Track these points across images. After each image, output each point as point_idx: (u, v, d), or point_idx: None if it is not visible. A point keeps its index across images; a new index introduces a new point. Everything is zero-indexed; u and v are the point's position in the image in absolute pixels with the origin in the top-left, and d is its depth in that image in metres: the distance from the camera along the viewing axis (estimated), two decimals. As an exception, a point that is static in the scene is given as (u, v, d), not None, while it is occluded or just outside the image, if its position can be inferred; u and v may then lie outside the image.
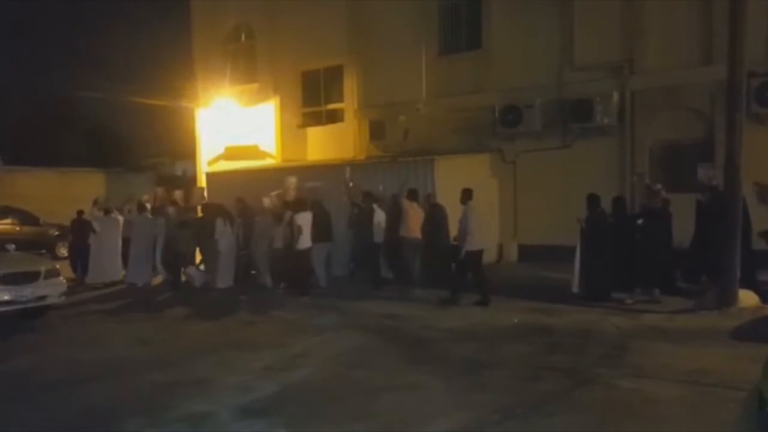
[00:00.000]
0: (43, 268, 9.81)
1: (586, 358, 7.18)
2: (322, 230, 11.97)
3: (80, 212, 14.05)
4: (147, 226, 13.45)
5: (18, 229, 17.81)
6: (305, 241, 11.54)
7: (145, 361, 7.66)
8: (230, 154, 18.48)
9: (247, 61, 19.26)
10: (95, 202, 14.61)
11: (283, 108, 18.23)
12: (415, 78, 15.84)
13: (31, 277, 9.45)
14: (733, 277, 9.22)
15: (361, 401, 6.01)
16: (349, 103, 17.33)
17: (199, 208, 14.83)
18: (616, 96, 13.48)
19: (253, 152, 18.13)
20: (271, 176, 14.85)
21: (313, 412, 5.82)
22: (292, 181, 13.43)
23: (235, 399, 6.14)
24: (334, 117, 17.83)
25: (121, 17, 29.87)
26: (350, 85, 17.25)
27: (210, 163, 18.93)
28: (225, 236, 12.66)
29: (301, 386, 6.56)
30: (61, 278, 10.19)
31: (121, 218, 14.02)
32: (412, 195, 11.64)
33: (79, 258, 13.83)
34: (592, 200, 10.15)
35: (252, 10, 18.58)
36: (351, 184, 12.77)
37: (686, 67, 12.91)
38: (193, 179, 20.20)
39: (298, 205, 11.86)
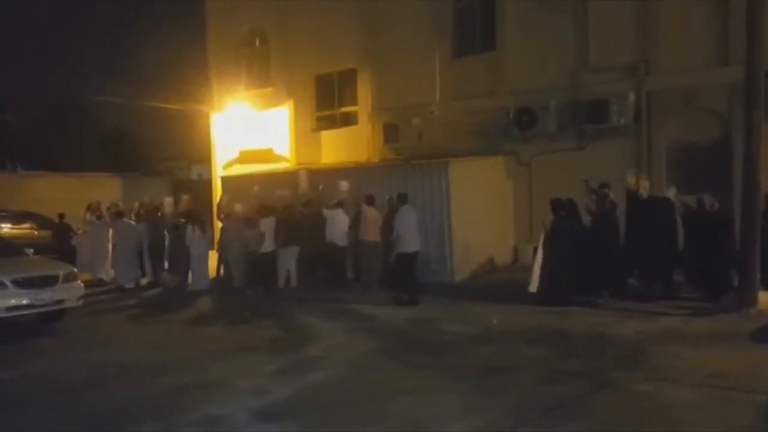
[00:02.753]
0: (61, 272, 9.89)
1: (602, 362, 7.13)
2: (288, 235, 12.40)
3: (61, 215, 15.13)
4: (128, 232, 13.94)
5: (36, 233, 18.00)
6: (267, 245, 12.18)
7: (159, 363, 7.72)
8: (245, 157, 18.59)
9: (262, 65, 19.35)
10: (89, 207, 15.10)
11: (297, 112, 18.31)
12: (428, 80, 15.83)
13: (49, 281, 9.54)
14: (753, 279, 9.11)
15: (375, 405, 5.99)
16: (362, 106, 17.35)
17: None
18: (632, 97, 13.37)
19: (267, 156, 18.23)
20: (284, 179, 14.92)
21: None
22: (303, 175, 14.08)
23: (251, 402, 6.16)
24: (347, 120, 17.86)
25: (137, 22, 30.14)
26: (364, 88, 17.27)
27: (225, 167, 19.05)
28: (195, 241, 13.11)
29: (310, 390, 6.58)
30: (79, 282, 10.29)
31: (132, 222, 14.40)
32: (370, 200, 12.07)
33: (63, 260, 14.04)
34: (556, 205, 10.31)
35: (266, 14, 18.68)
36: (321, 188, 13.00)
37: (703, 67, 12.77)
38: (208, 183, 20.33)
39: (263, 211, 12.51)
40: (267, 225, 12.28)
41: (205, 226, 13.44)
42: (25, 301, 9.20)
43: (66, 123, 31.83)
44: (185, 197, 14.65)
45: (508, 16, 14.98)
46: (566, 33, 14.14)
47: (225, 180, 17.67)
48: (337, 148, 17.62)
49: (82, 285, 10.35)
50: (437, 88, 15.83)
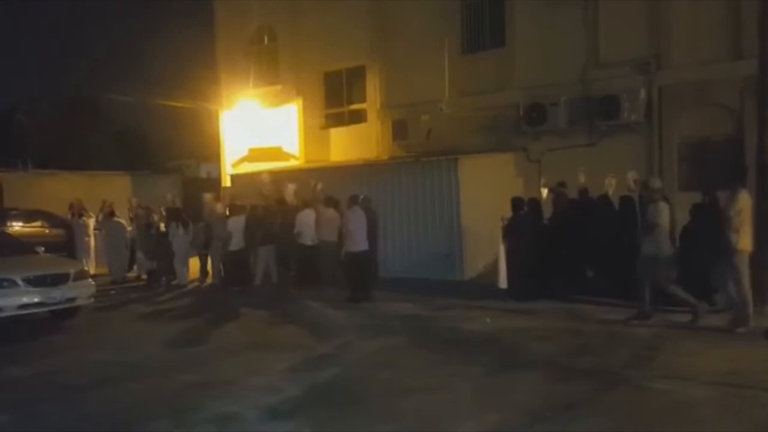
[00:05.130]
0: (72, 270, 9.95)
1: (615, 360, 7.07)
2: (262, 234, 12.95)
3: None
4: (118, 229, 14.88)
5: (47, 231, 18.08)
6: (236, 243, 12.76)
7: (170, 361, 7.74)
8: (254, 155, 18.58)
9: (270, 63, 19.34)
10: (70, 206, 15.67)
11: (305, 109, 18.29)
12: (437, 77, 15.78)
13: (60, 279, 9.58)
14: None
15: (387, 403, 5.97)
16: (371, 103, 17.32)
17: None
18: (643, 92, 13.27)
19: (276, 154, 18.21)
20: (294, 177, 14.90)
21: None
22: (266, 178, 14.73)
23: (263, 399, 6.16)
24: (356, 117, 17.83)
25: (146, 22, 30.29)
26: (373, 86, 17.23)
27: (234, 165, 19.06)
28: (177, 238, 13.75)
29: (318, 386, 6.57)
30: (90, 280, 10.33)
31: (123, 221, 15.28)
32: (329, 201, 12.29)
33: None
34: (516, 203, 10.58)
35: (275, 12, 18.67)
36: (319, 186, 12.98)
37: (715, 62, 12.66)
38: (218, 181, 20.36)
39: (232, 210, 13.14)
40: (234, 224, 12.85)
41: (188, 223, 13.98)
42: (36, 299, 9.24)
43: (77, 121, 31.98)
44: (228, 188, 15.36)
45: (518, 11, 14.91)
46: (576, 28, 14.06)
47: (234, 178, 17.72)
48: (346, 145, 17.61)
49: (93, 283, 10.40)
50: (446, 85, 15.77)
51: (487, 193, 13.27)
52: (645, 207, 8.91)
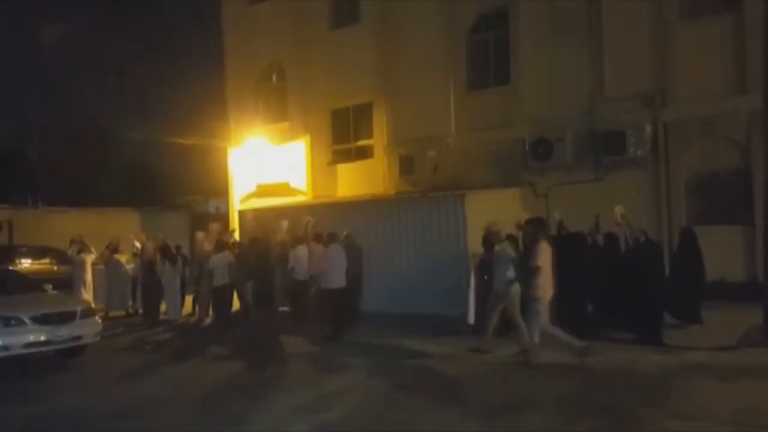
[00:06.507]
0: (79, 308, 9.91)
1: (628, 398, 6.94)
2: (246, 270, 13.22)
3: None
4: (117, 266, 15.16)
5: (56, 268, 18.15)
6: (218, 280, 12.84)
7: (176, 399, 7.66)
8: (262, 191, 18.69)
9: (279, 100, 19.59)
10: (71, 242, 15.45)
11: (313, 145, 18.46)
12: (444, 113, 15.91)
13: (67, 317, 9.53)
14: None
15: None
16: (378, 139, 17.45)
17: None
18: (648, 128, 13.31)
19: (284, 190, 18.32)
20: (297, 213, 14.96)
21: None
22: (249, 216, 15.39)
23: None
24: (363, 153, 17.95)
25: (157, 59, 30.81)
26: (379, 122, 17.39)
27: (242, 201, 19.16)
28: (165, 273, 14.06)
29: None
30: (97, 318, 10.30)
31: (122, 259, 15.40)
32: (317, 237, 12.36)
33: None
34: (487, 240, 10.46)
35: (283, 50, 18.97)
36: (309, 221, 13.17)
37: (720, 96, 12.72)
38: (226, 217, 20.46)
39: (218, 246, 13.25)
40: (217, 261, 12.97)
41: (175, 259, 14.31)
42: (43, 338, 9.18)
43: (87, 158, 32.34)
44: (215, 225, 15.51)
45: (522, 47, 15.08)
46: (580, 63, 14.20)
47: (242, 213, 17.77)
48: (353, 181, 17.69)
49: (99, 320, 10.36)
50: (452, 120, 15.90)
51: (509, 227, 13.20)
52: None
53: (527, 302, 8.58)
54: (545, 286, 8.47)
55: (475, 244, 12.63)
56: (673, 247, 11.70)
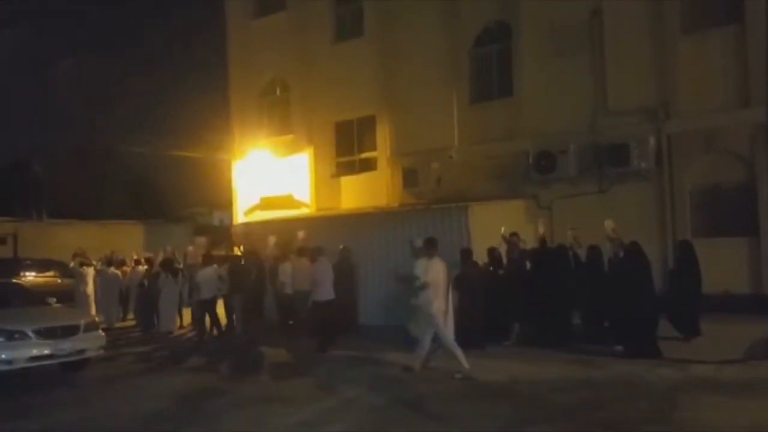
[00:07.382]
0: (82, 322, 9.88)
1: (633, 414, 6.88)
2: (235, 282, 13.42)
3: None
4: (111, 279, 15.38)
5: (60, 281, 18.17)
6: (205, 293, 13.00)
7: (179, 415, 7.62)
8: (266, 204, 18.72)
9: (283, 113, 19.68)
10: (74, 255, 15.69)
11: (317, 158, 18.51)
12: (447, 125, 15.96)
13: (70, 331, 9.51)
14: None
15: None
16: (381, 151, 17.49)
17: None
18: (652, 140, 13.31)
19: (287, 202, 18.35)
20: (299, 226, 14.97)
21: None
22: (239, 229, 15.90)
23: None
24: (367, 166, 17.99)
25: (161, 73, 30.97)
26: (383, 134, 17.43)
27: (246, 213, 19.18)
28: (167, 286, 14.20)
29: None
30: (100, 331, 10.28)
31: (119, 273, 15.76)
32: (300, 251, 12.51)
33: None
34: (465, 254, 10.85)
35: (287, 64, 19.08)
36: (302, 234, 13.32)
37: (723, 109, 12.72)
38: (229, 229, 20.48)
39: (205, 260, 13.53)
40: (204, 274, 13.14)
41: (177, 272, 14.51)
42: (46, 351, 9.16)
43: (91, 171, 32.48)
44: (202, 239, 15.94)
45: (526, 60, 15.13)
46: (584, 77, 14.23)
47: (245, 226, 17.80)
48: (356, 193, 17.71)
49: (102, 334, 10.34)
50: (456, 133, 15.94)
51: (497, 240, 13.20)
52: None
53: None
54: (437, 301, 8.77)
55: (479, 256, 12.67)
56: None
